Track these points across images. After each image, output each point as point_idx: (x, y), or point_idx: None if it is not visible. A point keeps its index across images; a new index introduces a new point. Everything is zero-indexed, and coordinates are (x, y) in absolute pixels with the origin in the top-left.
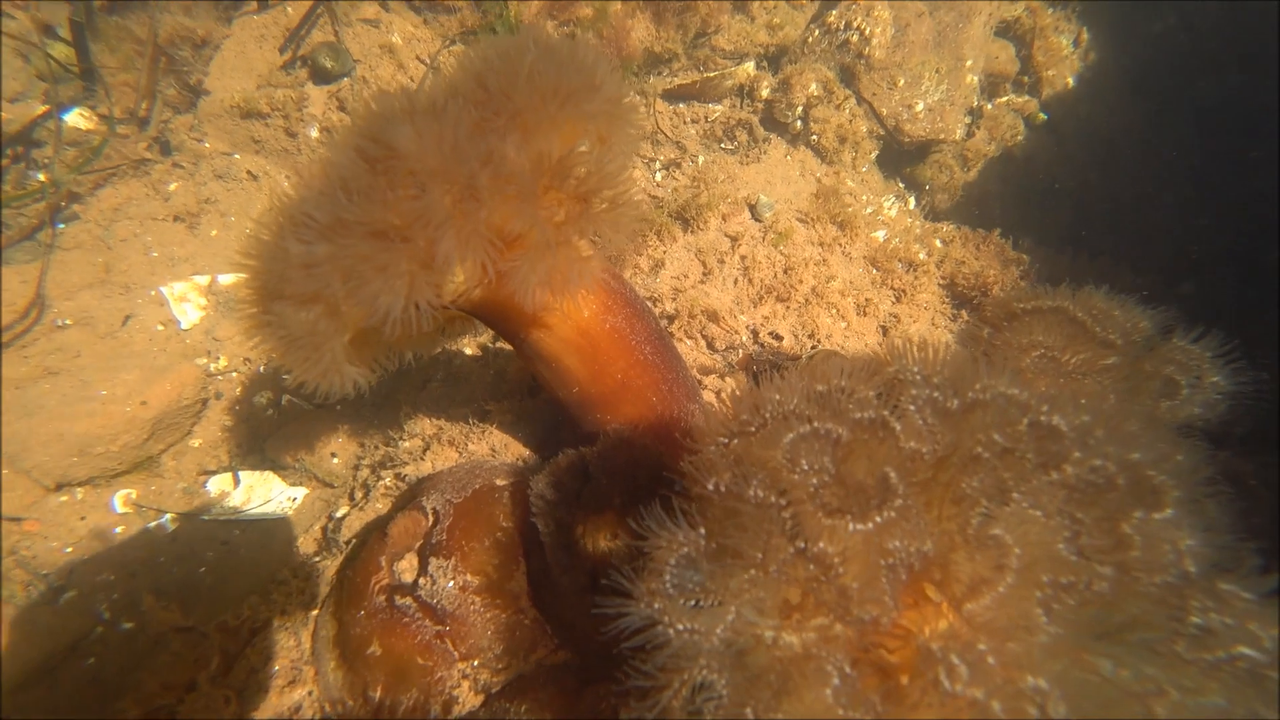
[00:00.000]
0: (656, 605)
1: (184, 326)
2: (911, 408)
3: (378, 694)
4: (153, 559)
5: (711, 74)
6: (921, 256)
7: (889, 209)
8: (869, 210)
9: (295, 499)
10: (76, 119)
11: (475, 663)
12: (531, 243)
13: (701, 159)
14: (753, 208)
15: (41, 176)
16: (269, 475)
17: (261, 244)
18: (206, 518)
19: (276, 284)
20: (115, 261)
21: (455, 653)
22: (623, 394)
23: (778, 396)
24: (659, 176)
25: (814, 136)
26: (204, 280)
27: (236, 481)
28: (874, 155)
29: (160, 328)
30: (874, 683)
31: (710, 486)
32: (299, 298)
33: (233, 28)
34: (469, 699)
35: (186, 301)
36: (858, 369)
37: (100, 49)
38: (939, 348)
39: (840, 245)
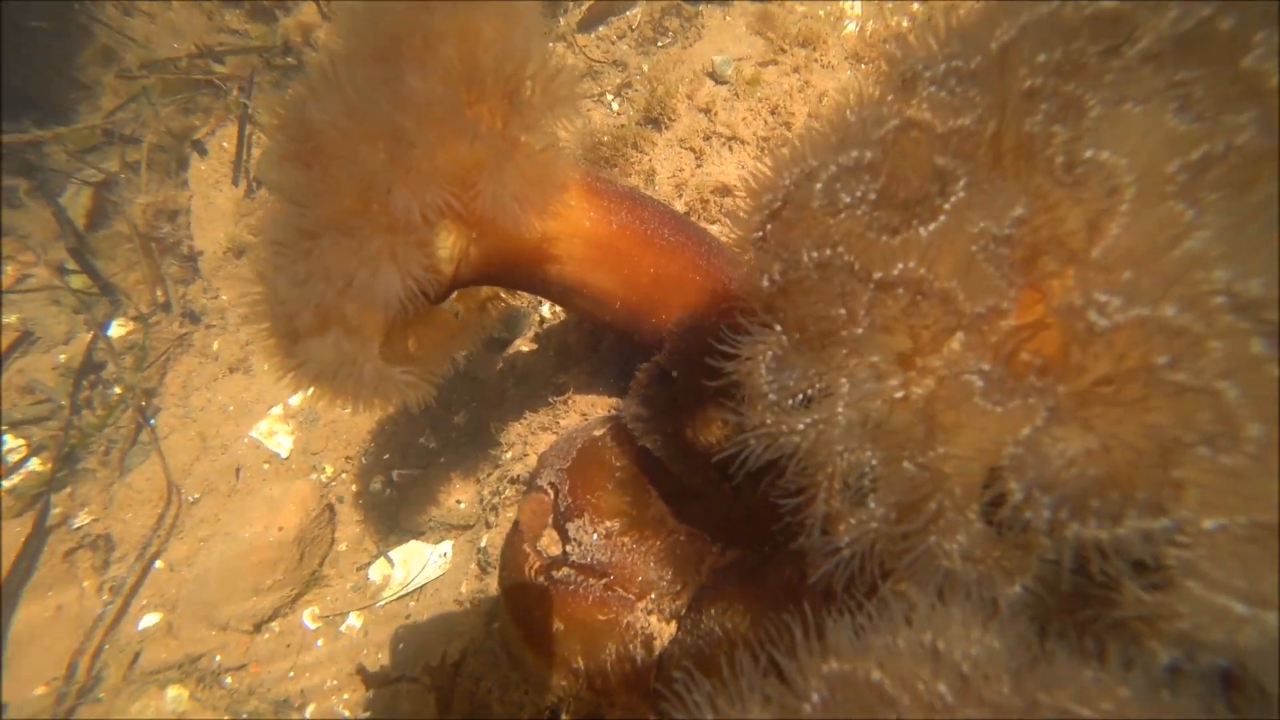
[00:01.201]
0: (769, 420)
1: (284, 456)
2: (931, 88)
3: (580, 663)
4: (358, 655)
5: None
6: (905, 24)
7: (852, 8)
8: (833, 18)
9: (446, 553)
10: (117, 329)
11: (653, 596)
12: (485, 160)
13: (647, 66)
14: (712, 74)
15: (117, 390)
16: (414, 544)
17: (258, 299)
18: (382, 603)
19: (289, 326)
20: (205, 429)
21: (630, 595)
22: (664, 287)
23: (791, 160)
24: (616, 105)
25: None
26: (279, 410)
27: (390, 562)
28: None
29: (266, 465)
30: (1027, 369)
31: (765, 283)
32: (312, 329)
33: (190, 187)
34: (663, 630)
35: (275, 434)
36: (866, 99)
37: (103, 263)
38: (940, 25)
39: (816, 59)
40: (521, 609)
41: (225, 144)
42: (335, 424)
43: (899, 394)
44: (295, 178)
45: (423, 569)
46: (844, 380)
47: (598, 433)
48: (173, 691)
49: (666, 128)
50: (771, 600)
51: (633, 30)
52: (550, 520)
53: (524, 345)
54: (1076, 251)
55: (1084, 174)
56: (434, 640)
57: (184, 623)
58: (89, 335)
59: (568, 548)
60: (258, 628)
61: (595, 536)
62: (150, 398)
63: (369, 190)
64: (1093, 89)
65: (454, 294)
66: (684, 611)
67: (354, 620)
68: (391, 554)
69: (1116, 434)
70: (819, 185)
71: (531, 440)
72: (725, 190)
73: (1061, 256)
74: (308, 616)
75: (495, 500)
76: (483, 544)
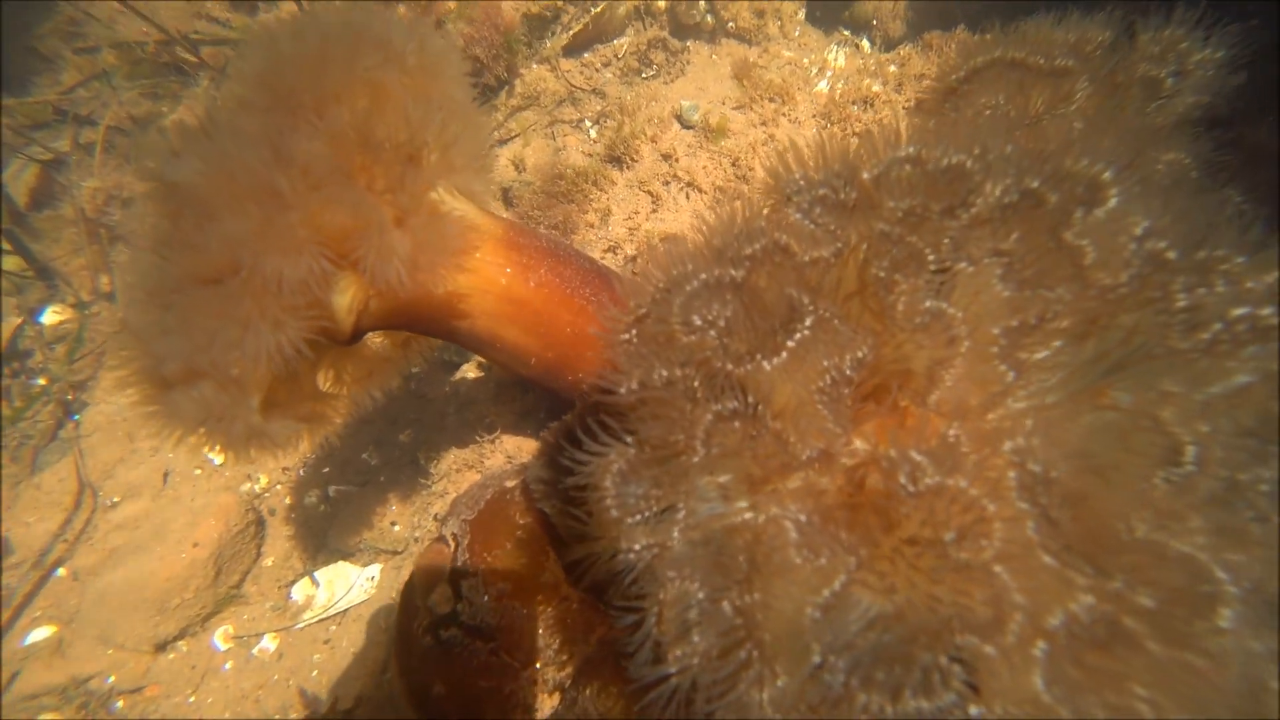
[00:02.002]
0: (611, 533)
1: (219, 462)
2: (797, 215)
3: None
4: (267, 680)
5: (599, 8)
6: (876, 89)
7: (835, 60)
8: (813, 71)
9: (373, 577)
10: (51, 317)
11: (538, 665)
12: (369, 226)
13: (628, 96)
14: (679, 117)
15: (41, 380)
16: (342, 565)
17: (125, 340)
18: (301, 625)
19: (157, 372)
20: (135, 429)
21: (515, 662)
22: (582, 346)
23: (662, 268)
24: (593, 133)
25: (730, 24)
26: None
27: (315, 583)
28: (801, 15)
29: (198, 471)
30: (858, 522)
31: (623, 390)
32: (180, 378)
33: None
34: (545, 702)
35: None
36: (751, 209)
37: (44, 245)
38: (824, 146)
39: (784, 114)
40: (406, 666)
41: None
42: (327, 442)
43: (745, 515)
44: (162, 230)
45: (348, 592)
46: (681, 506)
47: (509, 484)
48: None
49: (628, 168)
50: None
51: (618, 59)
52: (446, 574)
53: (471, 371)
54: (921, 393)
55: (925, 322)
56: (349, 674)
57: (77, 639)
58: (16, 320)
59: (459, 606)
60: (161, 647)
61: (486, 597)
62: (79, 391)
63: (237, 252)
64: (932, 245)
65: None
66: (567, 684)
67: (268, 643)
68: (317, 574)
69: (911, 600)
70: (679, 301)
71: (454, 478)
72: (675, 240)
73: (908, 392)
74: (219, 637)
75: (419, 532)
76: (404, 576)
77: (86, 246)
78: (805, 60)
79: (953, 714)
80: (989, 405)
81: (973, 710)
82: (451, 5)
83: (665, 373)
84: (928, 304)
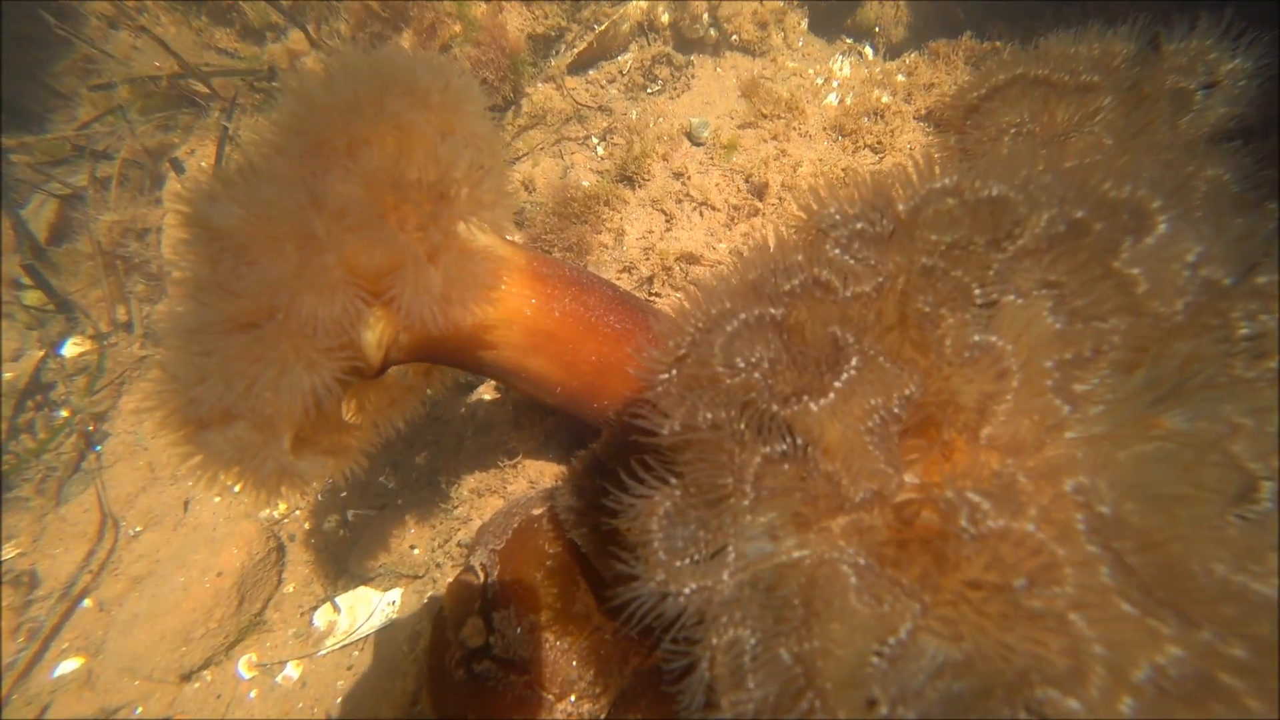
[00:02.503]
0: (660, 576)
1: (237, 489)
2: (836, 251)
3: None
4: (292, 709)
5: (603, 26)
6: (885, 100)
7: (840, 69)
8: (819, 81)
9: (394, 602)
10: (72, 349)
11: (572, 698)
12: (403, 264)
13: (634, 113)
14: (690, 135)
15: (64, 412)
16: (363, 590)
17: (160, 386)
18: (324, 652)
19: (194, 414)
20: (155, 458)
21: (550, 695)
22: (607, 374)
23: (701, 306)
24: (600, 150)
25: (733, 37)
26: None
27: (337, 608)
28: (804, 24)
29: (218, 499)
30: (909, 560)
31: (666, 431)
32: (217, 419)
33: (164, 205)
34: None
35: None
36: (784, 243)
37: (63, 279)
38: (857, 179)
39: (795, 128)
40: (439, 700)
41: (204, 163)
42: (348, 473)
43: (795, 554)
44: (200, 274)
45: (369, 617)
46: (731, 549)
47: (536, 511)
48: None
49: (640, 186)
50: None
51: (623, 75)
52: (478, 606)
53: (487, 393)
54: (971, 429)
55: (974, 357)
56: (373, 702)
57: (105, 670)
58: (39, 353)
59: (491, 639)
60: (187, 677)
61: (519, 630)
62: (100, 422)
63: (274, 295)
64: (978, 279)
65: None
66: (601, 717)
67: (291, 670)
68: (338, 599)
69: (981, 649)
70: (720, 342)
71: (477, 504)
72: (691, 259)
73: (956, 427)
74: (243, 665)
75: (441, 558)
76: (429, 598)
77: (103, 279)
78: (810, 70)
79: None
80: (1043, 440)
81: None
82: (457, 29)
83: (710, 415)
84: (976, 338)
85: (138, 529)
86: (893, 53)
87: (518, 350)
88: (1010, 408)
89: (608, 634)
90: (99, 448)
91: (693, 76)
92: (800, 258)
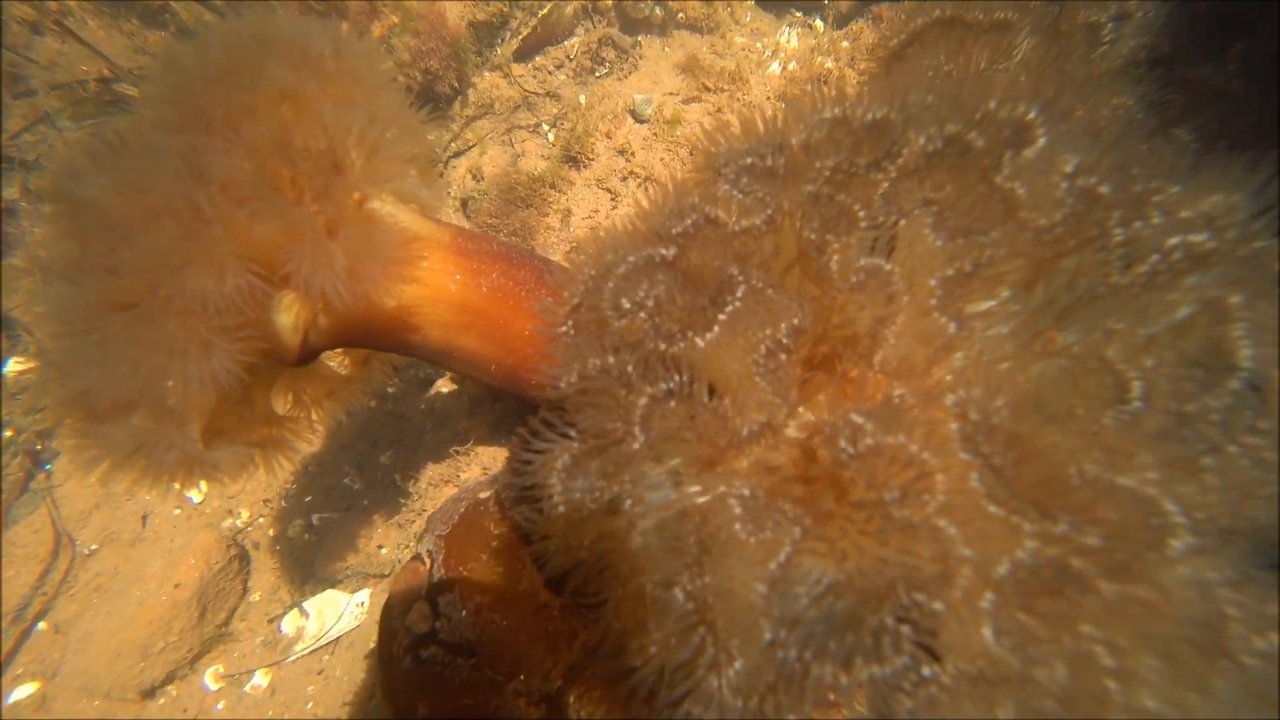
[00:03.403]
0: (560, 530)
1: (197, 501)
2: (725, 186)
3: None
4: (262, 718)
5: (545, 10)
6: (830, 65)
7: (788, 42)
8: (767, 54)
9: (363, 603)
10: (13, 367)
11: (521, 677)
12: (301, 237)
13: (583, 97)
14: (633, 112)
15: (8, 433)
16: (331, 593)
17: (45, 372)
18: (293, 658)
19: (84, 405)
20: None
21: (499, 676)
22: (542, 349)
23: (595, 254)
24: (551, 137)
25: (679, 15)
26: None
27: (305, 614)
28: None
29: (178, 511)
30: (816, 496)
31: (563, 385)
32: (110, 410)
33: None
34: (532, 713)
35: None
36: (681, 186)
37: (2, 296)
38: (756, 116)
39: (739, 99)
40: (389, 689)
41: None
42: (280, 467)
43: (697, 500)
44: (69, 254)
45: (338, 620)
46: (627, 496)
47: (483, 495)
48: None
49: (585, 167)
50: (632, 692)
51: (570, 60)
52: (423, 592)
53: (445, 386)
54: (864, 355)
55: (862, 281)
56: (342, 702)
57: (62, 693)
58: None
59: (437, 624)
60: (150, 694)
61: (464, 612)
62: (47, 440)
63: (155, 271)
64: (862, 201)
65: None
66: (553, 694)
67: (260, 679)
68: (306, 604)
69: (860, 567)
70: (610, 286)
71: (431, 495)
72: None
73: (853, 356)
74: (209, 677)
75: (404, 554)
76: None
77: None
78: (758, 45)
79: (908, 678)
80: (934, 360)
81: (925, 671)
82: (395, 20)
83: (598, 361)
84: (863, 262)
85: (93, 547)
86: (842, 24)
87: (447, 329)
88: (898, 330)
89: (555, 610)
90: (49, 466)
91: (640, 57)
92: (694, 199)
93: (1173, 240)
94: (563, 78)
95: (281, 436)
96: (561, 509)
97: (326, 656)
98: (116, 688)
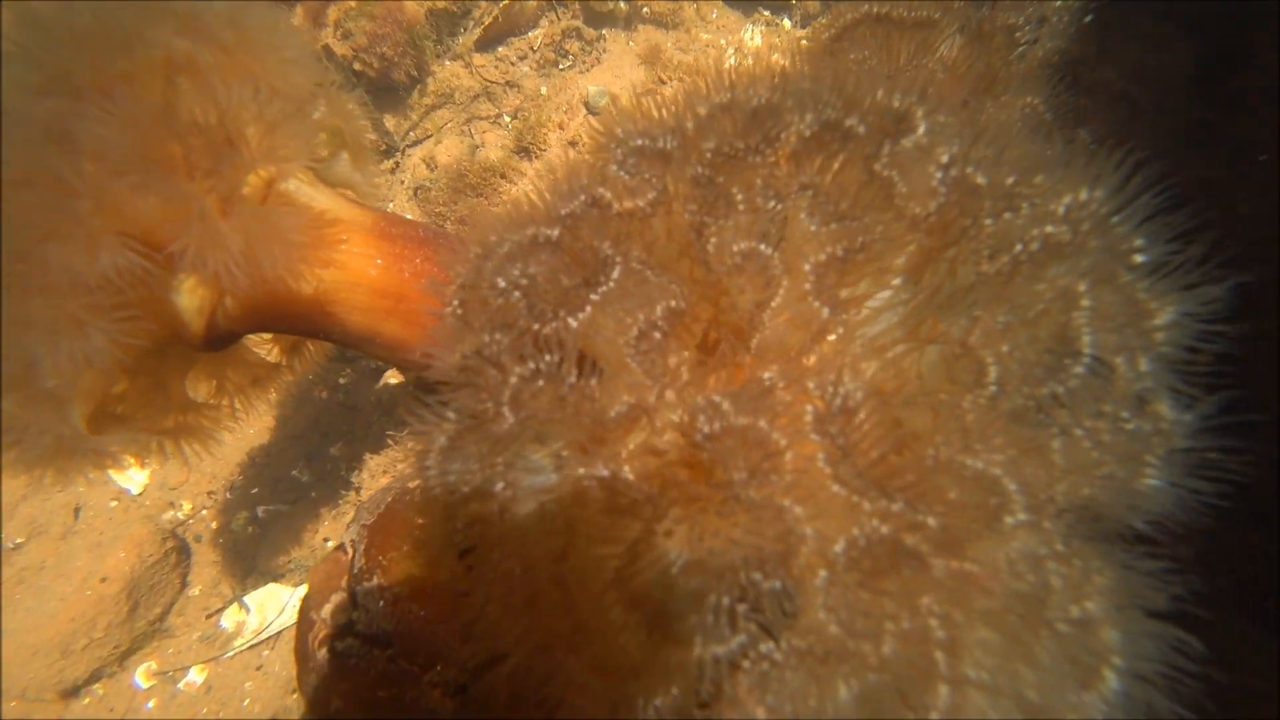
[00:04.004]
0: (436, 514)
1: (135, 492)
2: (613, 167)
3: None
4: (195, 715)
5: (505, 0)
6: (785, 64)
7: (751, 39)
8: (730, 51)
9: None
10: None
11: (438, 668)
12: (185, 216)
13: (545, 89)
14: (587, 104)
15: None
16: (273, 587)
17: None
18: (231, 654)
19: None
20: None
21: (415, 668)
22: None
23: (480, 235)
24: (511, 129)
25: (644, 10)
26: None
27: (245, 608)
28: None
29: (114, 503)
30: (699, 480)
31: (444, 366)
32: None
33: None
34: (447, 705)
35: (128, 468)
36: (574, 167)
37: None
38: (650, 102)
39: None
40: (304, 682)
41: None
42: (198, 456)
43: (573, 481)
44: None
45: (280, 614)
46: (499, 480)
47: (412, 484)
48: None
49: (537, 157)
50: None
51: (534, 51)
52: (343, 583)
53: (394, 376)
54: (744, 338)
55: (739, 264)
56: (277, 698)
57: None
58: None
59: (354, 615)
60: (73, 693)
61: (381, 604)
62: None
63: (11, 245)
64: (741, 184)
65: (258, 334)
66: (468, 684)
67: (195, 676)
68: (247, 599)
69: (712, 549)
70: (490, 265)
71: (372, 485)
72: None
73: (734, 340)
74: (141, 674)
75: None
76: None
77: None
78: (722, 41)
79: (746, 656)
80: (808, 346)
81: (763, 648)
82: (352, 4)
83: (474, 340)
84: (740, 245)
85: (19, 540)
86: (808, 23)
87: (368, 314)
88: (774, 313)
89: (476, 600)
90: None
91: (604, 51)
92: (584, 180)
93: (1033, 231)
94: (525, 69)
95: (199, 424)
96: (437, 492)
97: (267, 652)
98: (33, 687)
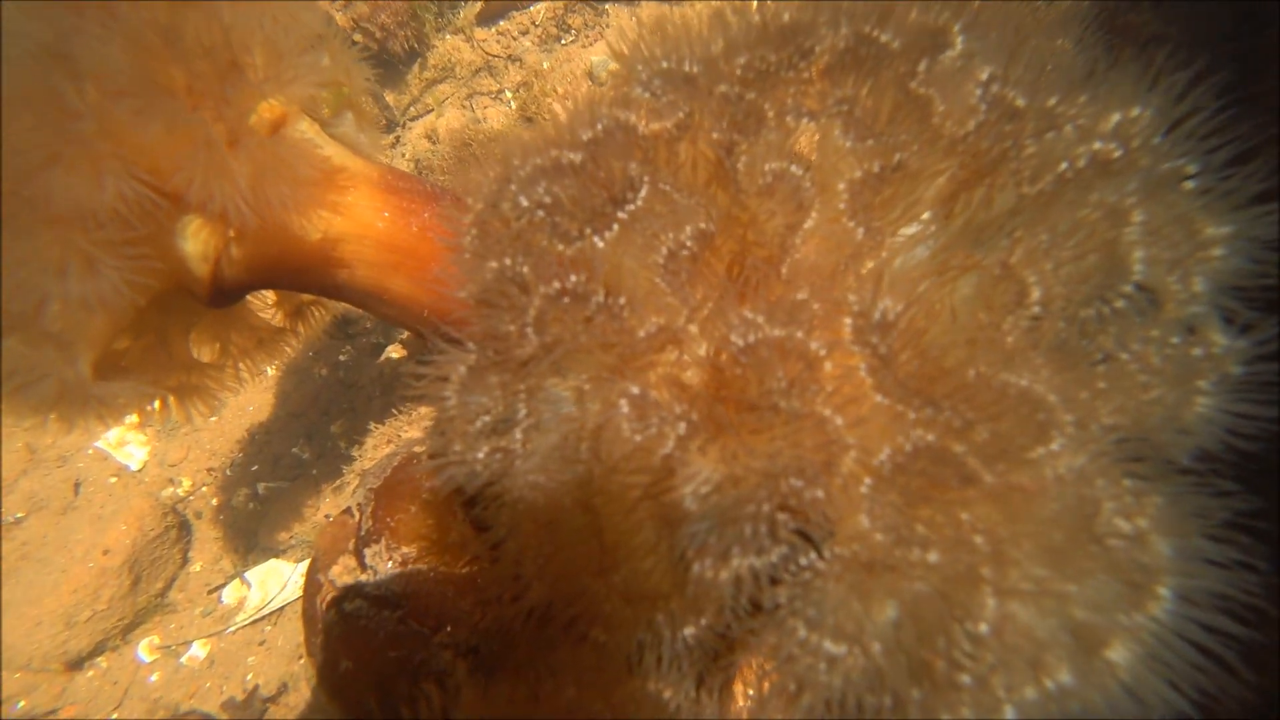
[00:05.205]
0: (457, 446)
1: (135, 468)
2: (639, 90)
3: (374, 707)
4: (199, 689)
5: None
6: None
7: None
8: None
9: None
10: None
11: (449, 629)
12: (191, 144)
13: (547, 64)
14: (590, 75)
15: None
16: (274, 563)
17: None
18: (233, 629)
19: None
20: (35, 439)
21: (424, 629)
22: None
23: (500, 159)
24: (515, 104)
25: None
26: (132, 417)
27: (247, 584)
28: None
29: (114, 479)
30: (725, 410)
31: (465, 295)
32: None
33: None
34: (459, 666)
35: (127, 444)
36: (596, 97)
37: None
38: (672, 28)
39: None
40: (312, 645)
41: None
42: (198, 433)
43: (593, 412)
44: None
45: (281, 589)
46: (521, 407)
47: (419, 449)
48: None
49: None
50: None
51: (536, 26)
52: (350, 545)
53: (395, 351)
54: (774, 264)
55: (769, 184)
56: (280, 669)
57: None
58: None
59: (362, 576)
60: (77, 665)
61: (391, 564)
62: None
63: (11, 169)
64: (774, 101)
65: (260, 294)
66: (480, 645)
67: (198, 650)
68: (248, 574)
69: (749, 465)
70: (511, 186)
71: (373, 456)
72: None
73: (764, 265)
74: (144, 648)
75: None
76: None
77: None
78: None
79: (788, 568)
80: (843, 269)
81: (803, 560)
82: None
83: (495, 263)
84: (771, 164)
85: (19, 515)
86: None
87: (375, 269)
88: (806, 236)
89: (486, 562)
90: None
91: (607, 25)
92: (606, 106)
93: (1080, 149)
94: (528, 44)
95: (203, 384)
96: (458, 424)
97: (269, 627)
98: (37, 658)
